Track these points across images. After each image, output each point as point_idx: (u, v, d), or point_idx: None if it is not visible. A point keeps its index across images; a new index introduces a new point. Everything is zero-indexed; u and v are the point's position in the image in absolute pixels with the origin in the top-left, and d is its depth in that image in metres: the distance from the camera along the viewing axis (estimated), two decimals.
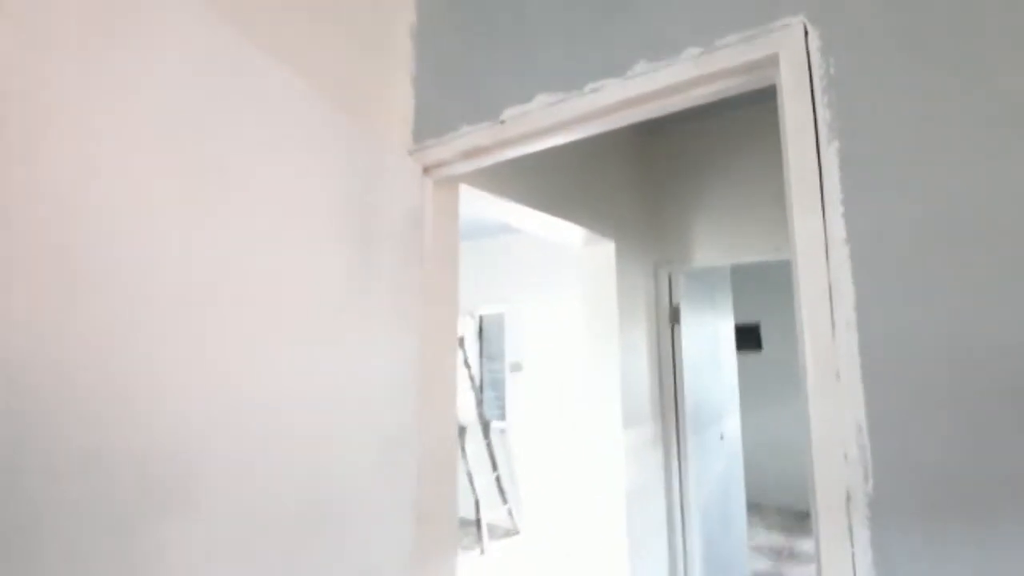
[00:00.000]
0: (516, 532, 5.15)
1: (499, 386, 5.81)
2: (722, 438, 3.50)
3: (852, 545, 0.81)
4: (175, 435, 0.85)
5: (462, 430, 5.14)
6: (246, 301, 0.97)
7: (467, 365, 5.40)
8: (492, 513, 5.07)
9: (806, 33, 0.93)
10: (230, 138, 0.97)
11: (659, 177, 2.98)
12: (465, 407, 5.50)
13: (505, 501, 5.17)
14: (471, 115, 1.32)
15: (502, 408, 5.66)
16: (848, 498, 0.82)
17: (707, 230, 2.78)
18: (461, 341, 5.48)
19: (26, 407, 0.70)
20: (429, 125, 1.43)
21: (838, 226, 0.87)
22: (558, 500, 5.04)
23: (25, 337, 0.71)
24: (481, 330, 6.08)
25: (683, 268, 2.86)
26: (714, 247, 2.76)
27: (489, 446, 5.25)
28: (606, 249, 2.59)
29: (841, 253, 0.86)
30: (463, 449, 5.15)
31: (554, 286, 5.26)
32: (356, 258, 1.21)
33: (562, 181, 2.29)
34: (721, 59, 1.00)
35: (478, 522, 4.76)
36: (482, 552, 4.59)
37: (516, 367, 5.56)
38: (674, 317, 2.87)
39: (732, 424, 3.90)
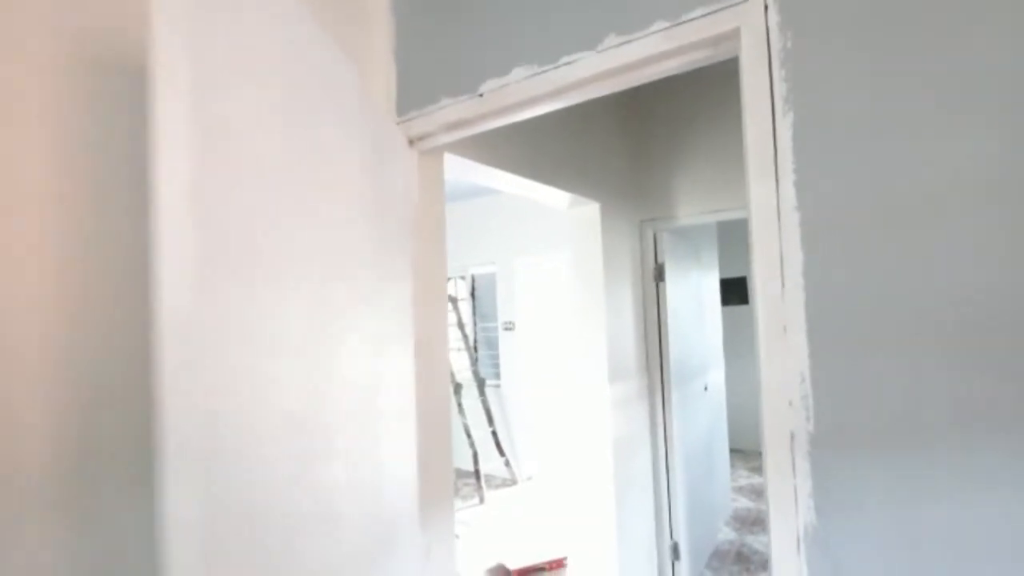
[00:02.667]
0: (514, 482, 5.40)
1: (493, 344, 5.96)
2: (706, 389, 3.66)
3: (795, 476, 0.93)
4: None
5: (458, 387, 5.30)
6: (311, 288, 1.04)
7: (460, 325, 5.51)
8: (490, 465, 5.30)
9: (766, 8, 0.97)
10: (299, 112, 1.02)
11: (642, 137, 3.01)
12: (460, 366, 5.65)
13: (502, 454, 5.39)
14: (452, 88, 1.36)
15: (496, 366, 5.82)
16: (792, 437, 0.93)
17: (689, 188, 2.84)
18: (454, 302, 5.58)
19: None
20: (412, 98, 1.47)
21: (790, 194, 0.94)
22: (551, 452, 5.27)
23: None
24: (474, 290, 6.17)
25: (667, 226, 2.93)
26: (697, 204, 2.82)
27: (484, 402, 5.43)
28: (591, 210, 2.66)
29: (792, 219, 0.94)
30: (460, 405, 5.33)
31: (544, 245, 5.32)
32: (375, 232, 1.27)
33: (545, 146, 2.33)
34: (687, 32, 1.05)
35: (476, 473, 4.98)
36: (481, 501, 4.82)
37: (509, 326, 5.69)
38: (659, 275, 2.96)
39: (716, 376, 4.07)
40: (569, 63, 1.18)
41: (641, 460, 2.91)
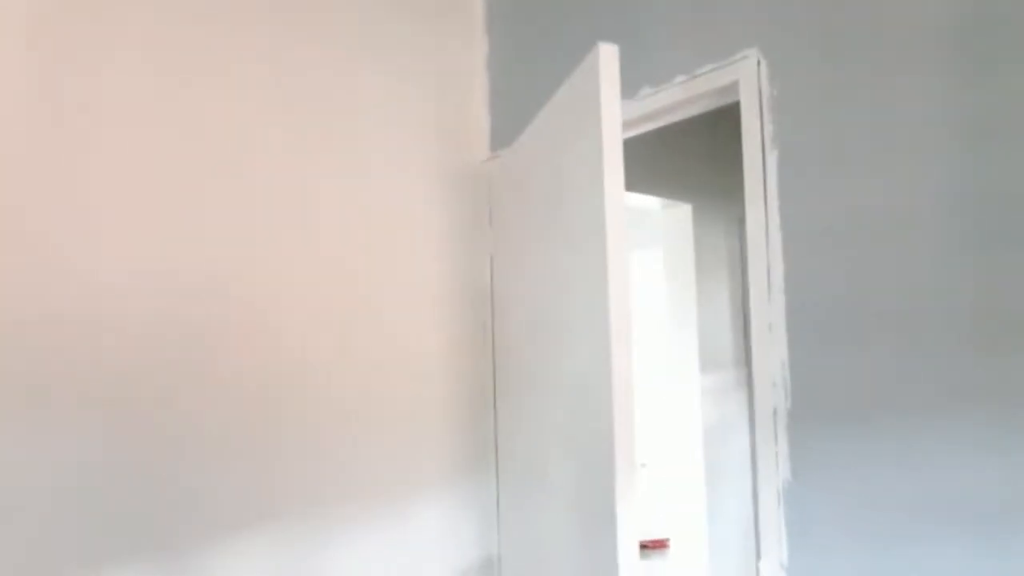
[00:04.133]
0: None
1: None
2: None
3: (776, 444, 1.16)
4: None
5: None
6: None
7: None
8: None
9: (758, 64, 1.19)
10: None
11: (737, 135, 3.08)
12: None
13: None
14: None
15: None
16: (775, 412, 1.16)
17: None
18: None
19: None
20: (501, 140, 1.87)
21: (775, 216, 1.16)
22: (646, 437, 5.40)
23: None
24: None
25: None
26: None
27: None
28: (683, 211, 2.84)
29: (776, 236, 1.16)
30: None
31: (639, 241, 5.43)
32: None
33: (638, 157, 2.58)
34: (700, 84, 1.30)
35: None
36: None
37: None
38: None
39: None
40: None
41: (735, 447, 3.03)
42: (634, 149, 2.15)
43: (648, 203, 2.92)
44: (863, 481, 1.03)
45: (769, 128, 1.17)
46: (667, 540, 3.72)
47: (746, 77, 1.21)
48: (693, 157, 2.87)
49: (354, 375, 1.61)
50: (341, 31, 1.68)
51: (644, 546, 3.72)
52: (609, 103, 1.08)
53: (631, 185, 2.63)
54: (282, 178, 1.53)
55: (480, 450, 1.87)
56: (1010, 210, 0.87)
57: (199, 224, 1.41)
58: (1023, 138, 0.86)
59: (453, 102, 1.91)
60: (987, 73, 0.90)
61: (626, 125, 1.46)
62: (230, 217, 1.45)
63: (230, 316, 1.42)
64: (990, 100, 0.89)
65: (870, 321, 1.02)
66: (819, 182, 1.09)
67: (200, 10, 1.47)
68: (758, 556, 1.20)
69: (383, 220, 1.71)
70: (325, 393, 1.55)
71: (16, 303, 1.16)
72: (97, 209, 1.28)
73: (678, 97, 1.34)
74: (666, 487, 4.69)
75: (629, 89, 1.45)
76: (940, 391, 0.94)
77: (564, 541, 1.31)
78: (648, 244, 5.79)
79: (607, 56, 1.08)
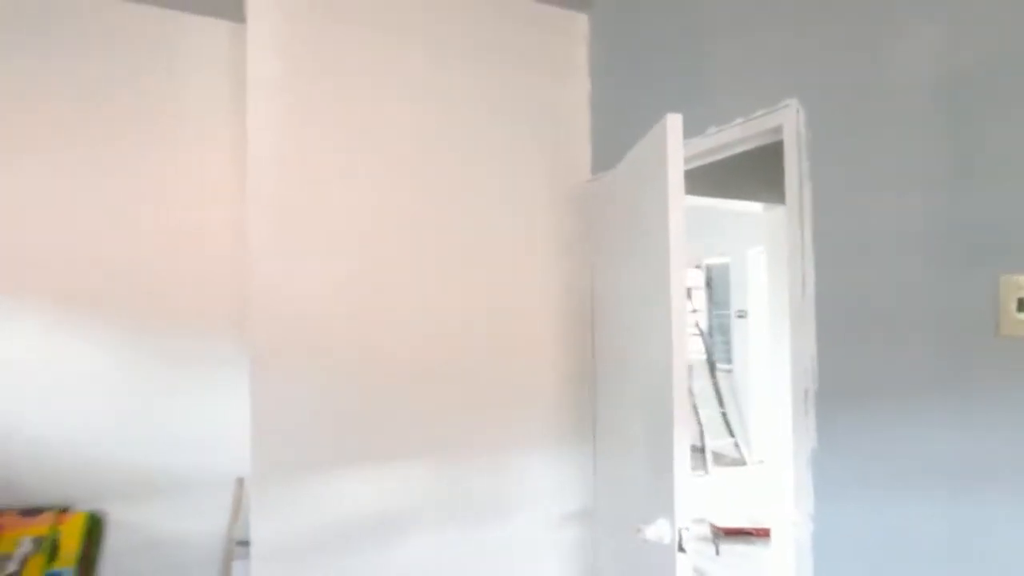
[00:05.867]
0: (743, 463, 5.67)
1: (726, 331, 6.23)
2: None
3: (807, 417, 1.44)
4: None
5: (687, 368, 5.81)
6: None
7: (693, 311, 5.98)
8: (717, 442, 5.67)
9: (797, 111, 1.47)
10: None
11: None
12: (692, 349, 6.11)
13: (732, 434, 5.71)
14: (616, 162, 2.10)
15: (728, 351, 6.10)
16: (806, 393, 1.44)
17: None
18: (687, 290, 6.06)
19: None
20: (600, 164, 2.26)
21: (809, 234, 1.44)
22: (780, 436, 5.35)
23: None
24: (709, 279, 6.51)
25: None
26: None
27: (715, 384, 5.82)
28: (778, 213, 2.99)
29: (809, 250, 1.44)
30: (689, 385, 5.84)
31: (748, 236, 5.41)
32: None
33: (744, 170, 2.81)
34: (754, 125, 1.59)
35: (702, 448, 5.45)
36: (706, 472, 5.30)
37: (741, 314, 5.90)
38: None
39: None
40: (684, 144, 1.81)
41: None
42: (742, 163, 2.43)
43: (753, 207, 3.14)
44: (869, 447, 1.29)
45: (804, 165, 1.45)
46: (769, 529, 3.83)
47: (788, 121, 1.49)
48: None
49: (494, 361, 2.15)
50: (486, 94, 2.20)
51: (750, 533, 3.89)
52: (674, 155, 1.43)
53: (739, 192, 2.89)
54: (460, 211, 2.13)
55: (582, 422, 2.30)
56: (981, 235, 1.10)
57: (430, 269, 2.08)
58: (995, 177, 1.09)
59: (564, 134, 2.35)
60: (968, 124, 1.12)
61: (696, 157, 1.81)
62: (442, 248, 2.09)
63: (428, 321, 2.04)
64: (970, 147, 1.12)
65: (875, 320, 1.28)
66: (842, 209, 1.36)
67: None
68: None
69: (514, 236, 2.21)
70: (474, 373, 2.11)
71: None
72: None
73: (737, 135, 1.64)
74: (773, 483, 4.74)
75: (699, 127, 1.78)
76: (924, 378, 1.18)
77: (639, 480, 1.69)
78: (754, 241, 5.80)
79: (673, 122, 1.45)
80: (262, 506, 1.79)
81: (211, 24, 2.40)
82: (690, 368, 5.95)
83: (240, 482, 2.33)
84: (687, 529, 1.36)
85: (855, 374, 1.33)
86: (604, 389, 2.17)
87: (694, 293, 6.30)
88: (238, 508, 2.29)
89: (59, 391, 2.13)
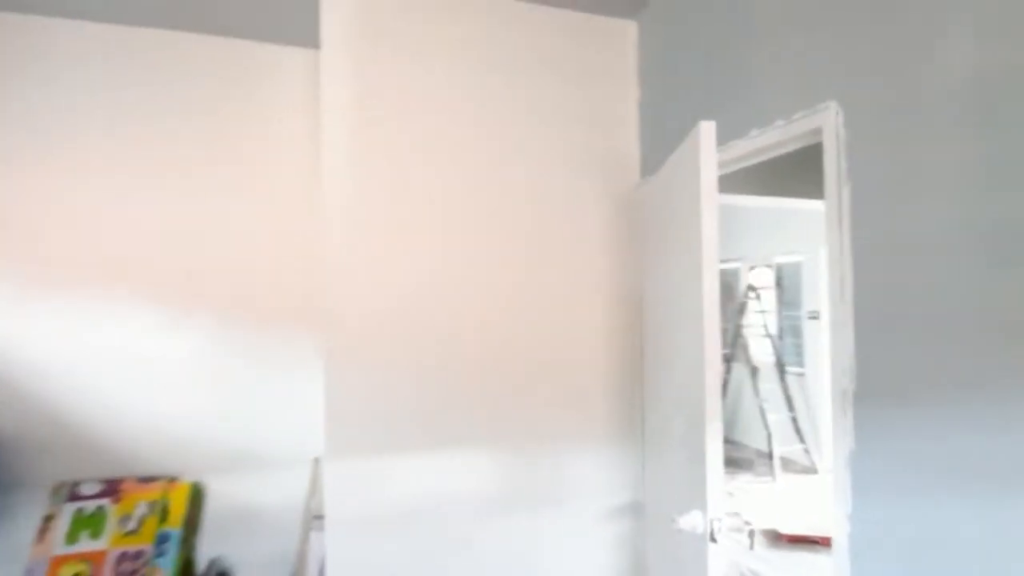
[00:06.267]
0: (814, 471, 5.43)
1: (798, 333, 5.97)
2: None
3: (846, 416, 1.45)
4: None
5: (754, 370, 5.64)
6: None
7: (762, 312, 5.79)
8: (785, 448, 5.47)
9: (837, 114, 1.48)
10: None
11: None
12: (760, 351, 5.92)
13: (801, 440, 5.48)
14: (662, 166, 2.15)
15: (800, 354, 5.84)
16: (844, 392, 1.45)
17: None
18: (754, 290, 5.88)
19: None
20: (648, 168, 2.32)
21: (847, 237, 1.45)
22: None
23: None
24: (780, 279, 6.26)
25: None
26: None
27: (785, 388, 5.60)
28: None
29: (848, 253, 1.45)
30: (756, 387, 5.67)
31: (809, 234, 5.13)
32: None
33: (783, 170, 2.77)
34: (794, 128, 1.61)
35: (770, 454, 5.28)
36: (773, 479, 5.13)
37: (814, 315, 5.64)
38: None
39: None
40: (729, 147, 1.84)
41: None
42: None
43: (814, 205, 3.08)
44: (907, 448, 1.30)
45: (843, 165, 1.45)
46: (830, 538, 3.68)
47: (827, 123, 1.50)
48: None
49: (552, 360, 2.29)
50: (544, 105, 2.33)
51: (814, 541, 3.76)
52: (707, 160, 1.49)
53: (795, 192, 2.84)
54: (520, 217, 2.29)
55: (631, 421, 2.38)
56: (1014, 237, 1.08)
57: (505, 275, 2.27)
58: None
59: (616, 139, 2.43)
60: (1004, 127, 1.11)
61: (738, 160, 1.84)
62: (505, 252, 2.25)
63: (492, 317, 2.22)
64: (1008, 148, 1.11)
65: (914, 320, 1.28)
66: (881, 209, 1.36)
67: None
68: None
69: (570, 241, 2.32)
70: (532, 371, 2.25)
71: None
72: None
73: (777, 137, 1.66)
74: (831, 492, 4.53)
75: (742, 130, 1.81)
76: (961, 379, 1.18)
77: (679, 475, 1.75)
78: (814, 239, 5.56)
79: (706, 129, 1.51)
80: (334, 484, 2.01)
81: (288, 52, 2.68)
82: (756, 370, 5.77)
83: (316, 461, 2.59)
84: (719, 520, 1.42)
85: (893, 375, 1.33)
86: (651, 390, 2.23)
87: (763, 293, 6.09)
88: (315, 485, 2.54)
89: (169, 379, 2.47)
